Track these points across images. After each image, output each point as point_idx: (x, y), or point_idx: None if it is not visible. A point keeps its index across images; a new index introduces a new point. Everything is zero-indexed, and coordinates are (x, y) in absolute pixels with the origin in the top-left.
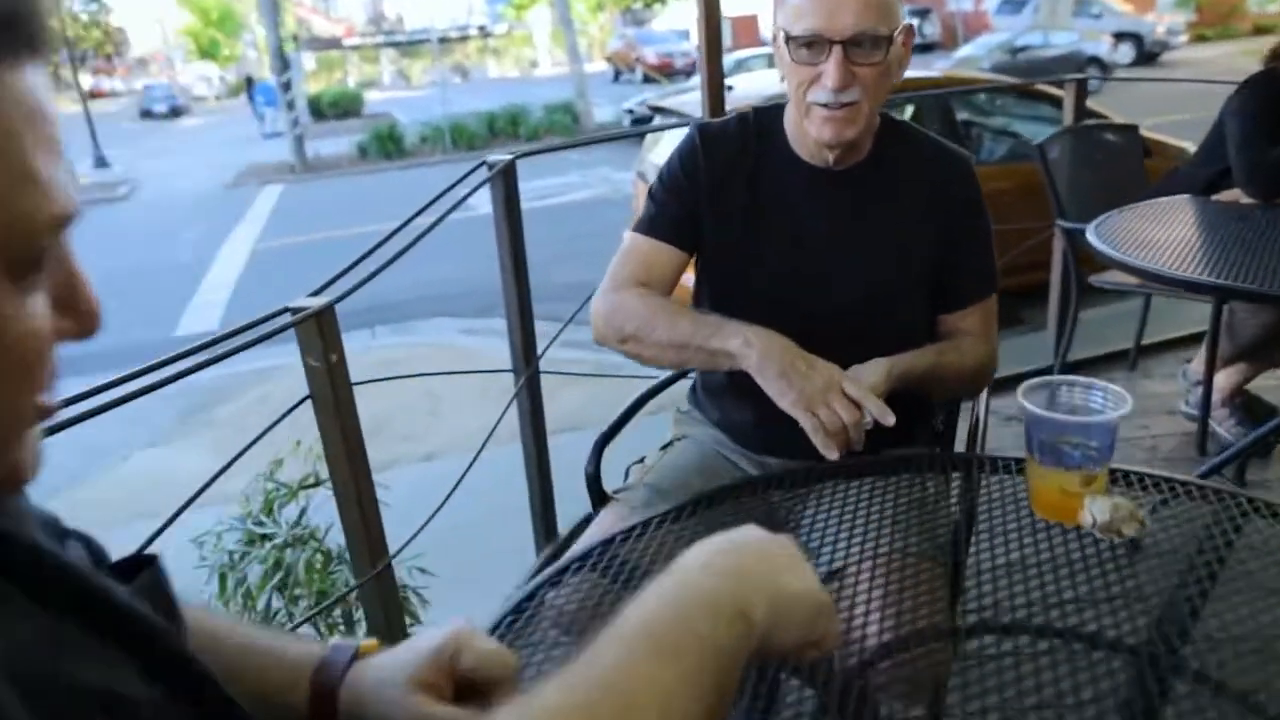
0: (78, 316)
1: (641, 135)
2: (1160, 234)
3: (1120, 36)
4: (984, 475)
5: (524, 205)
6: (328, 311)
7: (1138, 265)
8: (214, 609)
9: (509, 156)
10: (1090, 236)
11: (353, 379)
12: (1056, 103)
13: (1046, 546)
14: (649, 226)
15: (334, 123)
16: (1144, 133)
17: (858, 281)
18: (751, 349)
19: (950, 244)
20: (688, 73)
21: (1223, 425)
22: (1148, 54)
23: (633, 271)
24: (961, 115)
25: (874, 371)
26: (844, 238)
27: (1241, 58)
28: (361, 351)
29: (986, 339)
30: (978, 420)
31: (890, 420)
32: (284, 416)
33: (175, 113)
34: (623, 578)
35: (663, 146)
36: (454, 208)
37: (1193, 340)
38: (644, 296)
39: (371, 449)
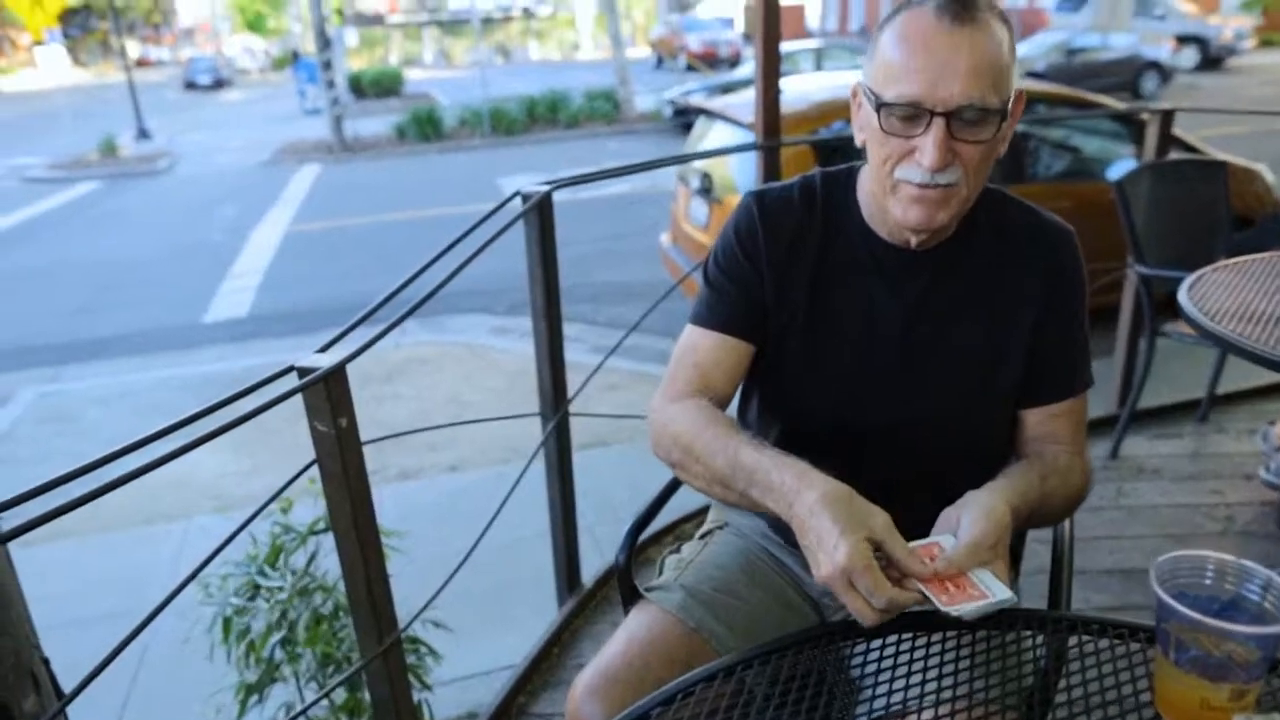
0: None
1: (687, 159)
2: (1258, 300)
3: (1183, 40)
4: (1088, 639)
5: (560, 198)
6: (338, 373)
7: (1230, 339)
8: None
9: (545, 189)
10: (1183, 299)
11: (378, 375)
12: (1121, 116)
13: None
14: (707, 318)
15: (374, 101)
16: (1213, 153)
17: (938, 388)
18: (791, 513)
19: (1044, 329)
20: (732, 62)
21: None
22: (1212, 59)
23: (689, 376)
24: (1019, 127)
25: (987, 521)
26: (924, 334)
27: None
28: (391, 349)
29: (1080, 452)
30: (1063, 542)
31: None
32: (286, 487)
33: (218, 84)
34: None
35: (707, 145)
36: (482, 249)
37: (1275, 392)
38: (691, 416)
39: (399, 456)
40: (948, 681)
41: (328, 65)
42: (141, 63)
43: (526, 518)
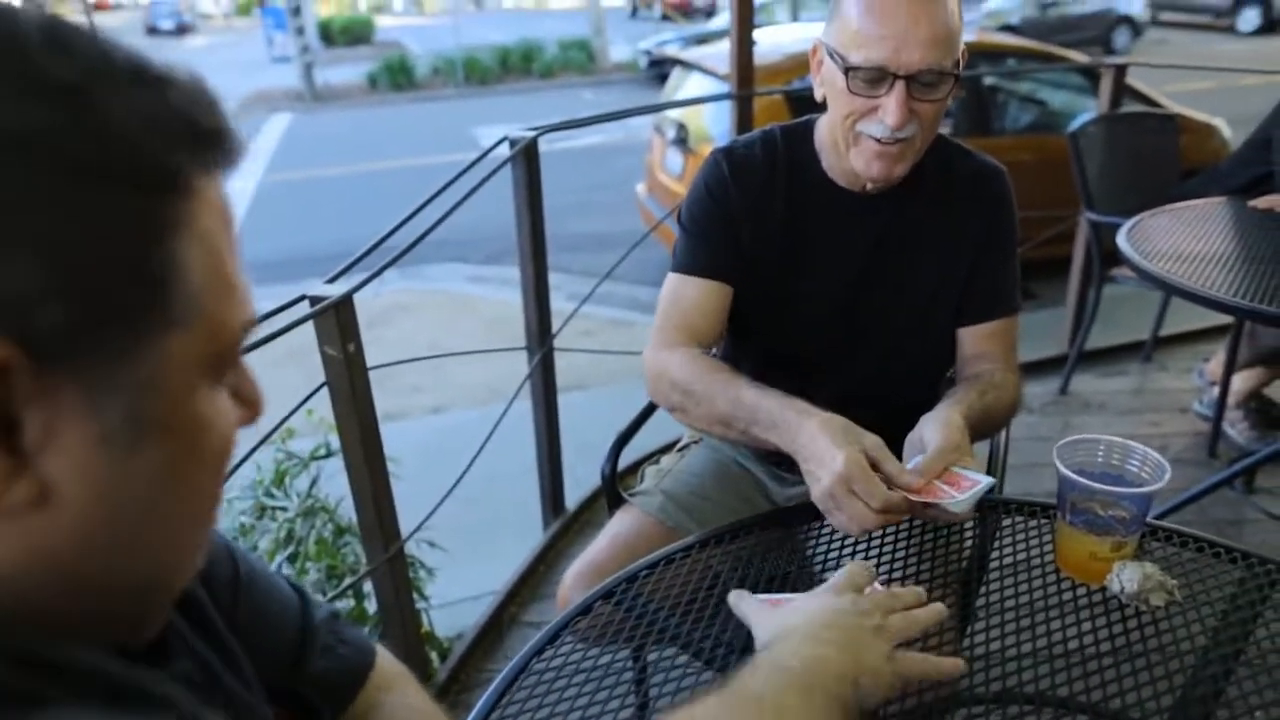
0: (248, 405)
1: (667, 107)
2: (1192, 243)
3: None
4: (1006, 518)
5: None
6: (346, 301)
7: (1165, 278)
8: None
9: (531, 134)
10: (1121, 242)
11: (361, 321)
12: (1087, 71)
13: (1056, 596)
14: (690, 265)
15: (344, 49)
16: (1171, 107)
17: (893, 318)
18: (795, 444)
19: (981, 259)
20: (707, 12)
21: (1235, 427)
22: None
23: (678, 323)
24: (988, 80)
25: (946, 428)
26: (881, 270)
27: None
28: (371, 297)
29: (1012, 369)
30: (998, 448)
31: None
32: (299, 406)
33: (182, 30)
34: (647, 618)
35: (683, 95)
36: (479, 186)
37: (1212, 334)
38: (687, 362)
39: (381, 398)
40: (886, 563)
41: (296, 11)
42: (100, 6)
43: (513, 456)
